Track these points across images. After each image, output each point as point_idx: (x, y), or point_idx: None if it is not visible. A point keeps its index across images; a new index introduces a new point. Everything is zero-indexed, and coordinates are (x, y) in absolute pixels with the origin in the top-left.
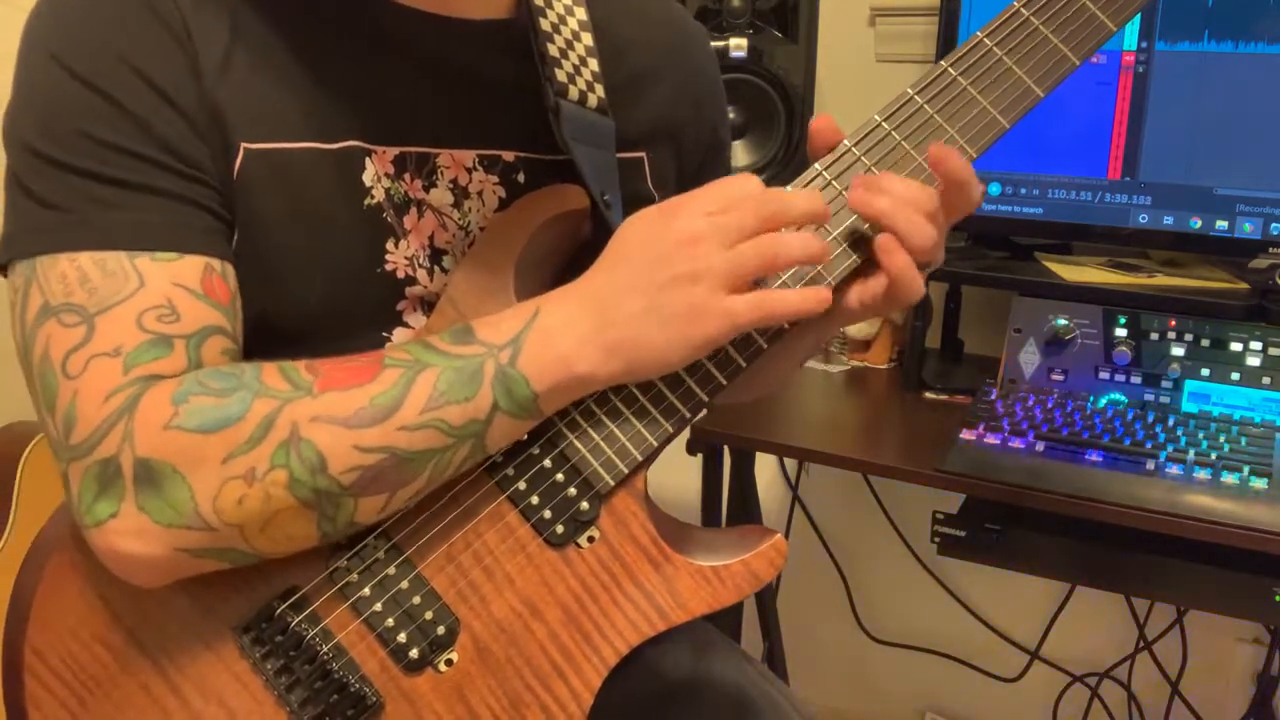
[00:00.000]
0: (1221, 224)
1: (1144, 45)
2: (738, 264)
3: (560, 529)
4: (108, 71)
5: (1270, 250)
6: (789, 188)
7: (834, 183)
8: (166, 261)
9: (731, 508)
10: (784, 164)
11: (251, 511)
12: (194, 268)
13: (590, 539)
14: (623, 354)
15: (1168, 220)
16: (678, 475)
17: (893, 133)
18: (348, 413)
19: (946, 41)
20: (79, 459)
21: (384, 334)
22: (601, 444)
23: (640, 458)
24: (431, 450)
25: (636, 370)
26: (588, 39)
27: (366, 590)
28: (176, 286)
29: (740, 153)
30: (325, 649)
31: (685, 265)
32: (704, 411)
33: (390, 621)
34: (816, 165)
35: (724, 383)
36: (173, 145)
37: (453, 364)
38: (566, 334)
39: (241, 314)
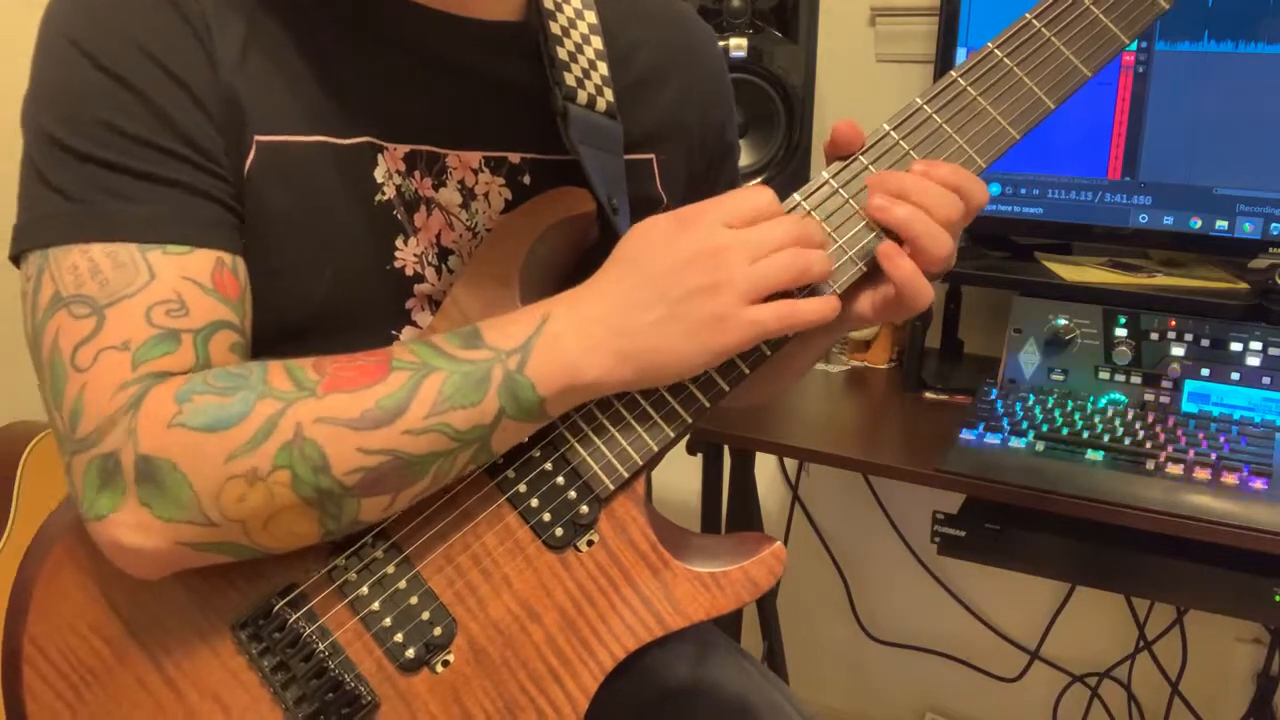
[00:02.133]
0: (1221, 224)
1: (1144, 45)
2: (763, 276)
3: (559, 532)
4: (130, 61)
5: (1270, 250)
6: (797, 195)
7: (841, 190)
8: (177, 255)
9: (731, 508)
10: (784, 164)
11: (254, 509)
12: (204, 261)
13: (589, 543)
14: (635, 361)
15: (1168, 220)
16: (678, 475)
17: (901, 142)
18: (353, 414)
19: (946, 41)
20: (82, 452)
21: (393, 331)
22: (602, 448)
23: (640, 462)
24: (436, 454)
25: (649, 378)
26: (597, 42)
27: (364, 589)
28: (186, 280)
29: (740, 153)
30: (322, 647)
31: (708, 276)
32: (705, 417)
33: (387, 621)
34: (825, 174)
35: (726, 389)
36: (191, 137)
37: (460, 368)
38: (576, 340)
39: (251, 307)
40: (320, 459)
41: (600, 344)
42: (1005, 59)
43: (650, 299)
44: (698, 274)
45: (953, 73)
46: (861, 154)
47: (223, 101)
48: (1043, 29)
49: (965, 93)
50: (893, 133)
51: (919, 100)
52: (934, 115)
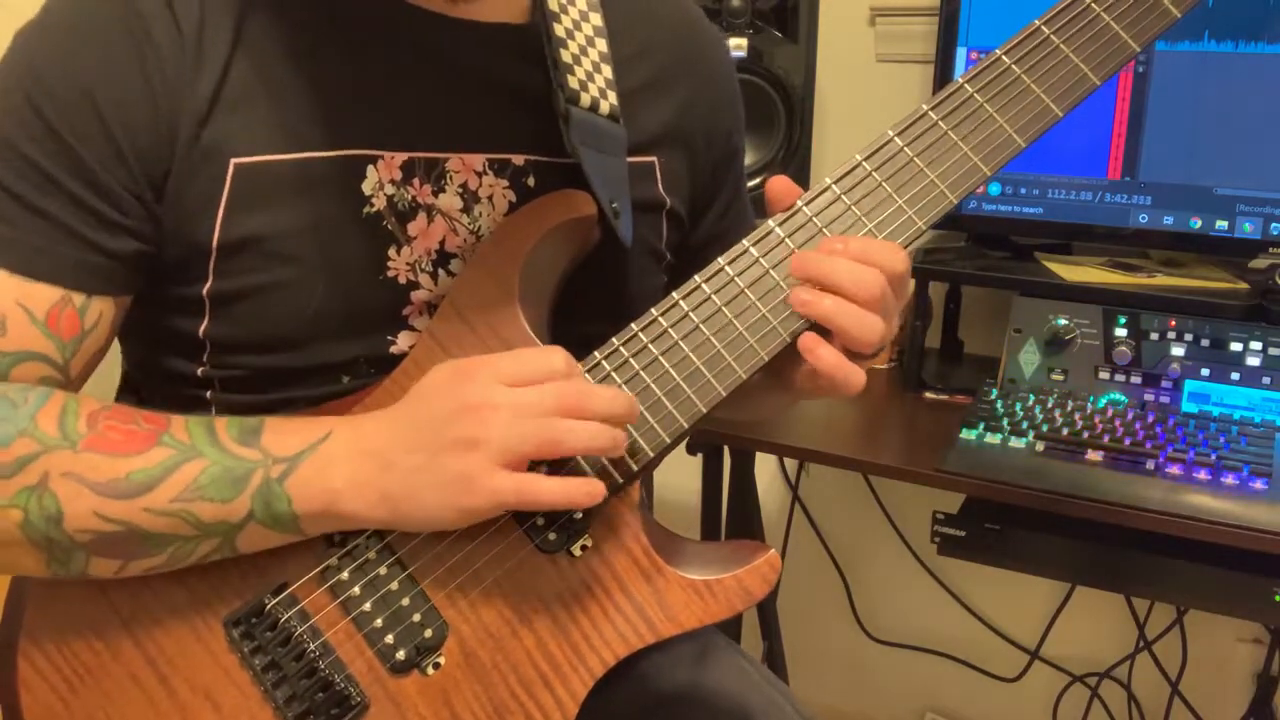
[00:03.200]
0: (1221, 224)
1: None
2: (517, 440)
3: (552, 536)
4: (62, 97)
5: (1270, 250)
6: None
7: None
8: (21, 281)
9: (731, 508)
10: (784, 164)
11: None
12: (46, 295)
13: (583, 547)
14: (391, 504)
15: (1168, 220)
16: (678, 475)
17: (905, 149)
18: (100, 479)
19: (946, 41)
20: None
21: (388, 337)
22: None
23: (635, 467)
24: (173, 536)
25: (403, 521)
26: (602, 45)
27: (356, 589)
28: (18, 306)
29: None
30: (312, 646)
31: (467, 430)
32: (700, 424)
33: (379, 622)
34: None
35: (722, 393)
36: (92, 178)
37: (224, 461)
38: (344, 468)
39: (92, 352)
40: (56, 511)
41: (365, 479)
42: (1013, 66)
43: (417, 443)
44: (459, 427)
45: (959, 79)
46: (865, 159)
47: (179, 140)
48: (1051, 36)
49: (972, 99)
50: (897, 138)
51: (925, 107)
52: (940, 122)
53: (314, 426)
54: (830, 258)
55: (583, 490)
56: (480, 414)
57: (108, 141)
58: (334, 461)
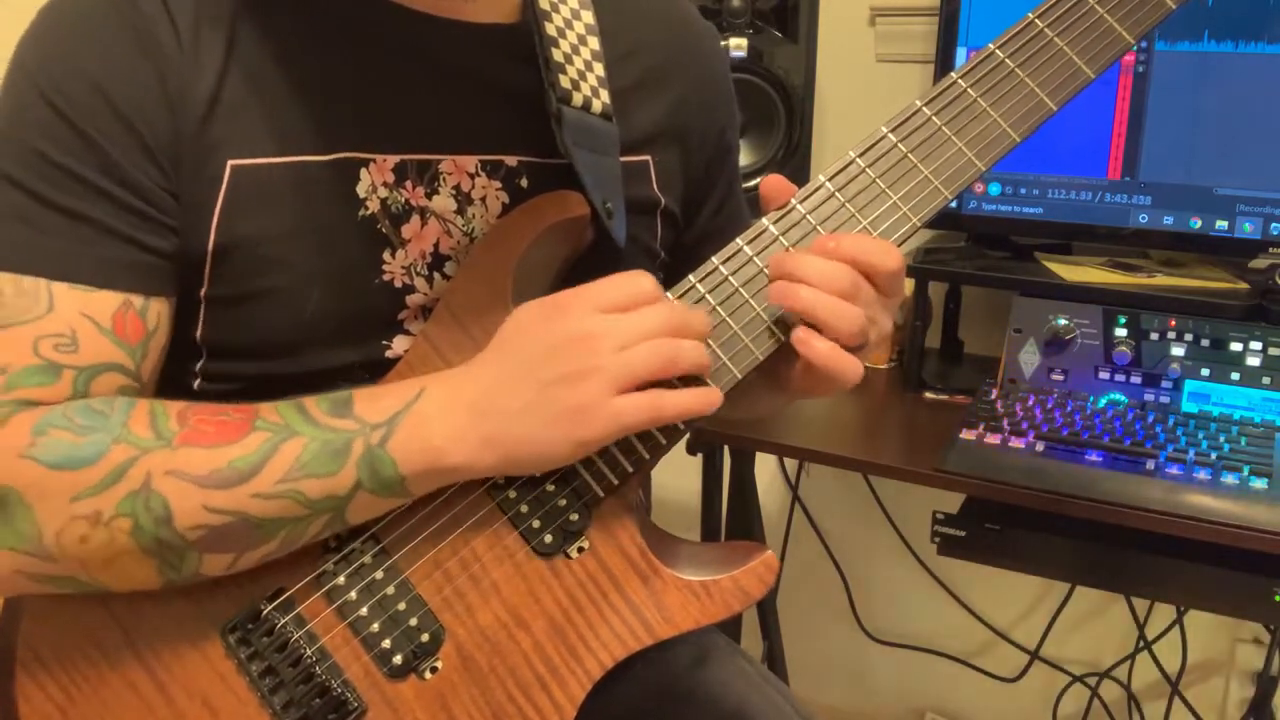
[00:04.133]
0: (1221, 224)
1: (1144, 45)
2: (633, 366)
3: (549, 538)
4: (76, 95)
5: (1270, 250)
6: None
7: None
8: (82, 291)
9: (731, 508)
10: (784, 164)
11: (94, 550)
12: (109, 302)
13: (580, 549)
14: (502, 448)
15: (1168, 220)
16: (678, 475)
17: (899, 145)
18: (203, 471)
19: (946, 41)
20: None
21: (384, 342)
22: (593, 453)
23: (631, 469)
24: (284, 519)
25: (517, 465)
26: (594, 43)
27: (353, 594)
28: (84, 318)
29: (740, 153)
30: (309, 652)
31: (576, 362)
32: (695, 425)
33: (375, 627)
34: (739, 240)
35: (739, 377)
36: (124, 175)
37: (322, 435)
38: (444, 422)
39: (160, 351)
40: (164, 511)
41: (467, 429)
42: (1007, 60)
43: (518, 384)
44: (565, 361)
45: (953, 74)
46: (858, 156)
47: (184, 136)
48: (1045, 29)
49: (965, 94)
50: (890, 135)
51: (918, 102)
52: (933, 118)
53: (405, 388)
54: (803, 255)
55: (708, 398)
56: (587, 344)
57: (131, 136)
58: (431, 417)
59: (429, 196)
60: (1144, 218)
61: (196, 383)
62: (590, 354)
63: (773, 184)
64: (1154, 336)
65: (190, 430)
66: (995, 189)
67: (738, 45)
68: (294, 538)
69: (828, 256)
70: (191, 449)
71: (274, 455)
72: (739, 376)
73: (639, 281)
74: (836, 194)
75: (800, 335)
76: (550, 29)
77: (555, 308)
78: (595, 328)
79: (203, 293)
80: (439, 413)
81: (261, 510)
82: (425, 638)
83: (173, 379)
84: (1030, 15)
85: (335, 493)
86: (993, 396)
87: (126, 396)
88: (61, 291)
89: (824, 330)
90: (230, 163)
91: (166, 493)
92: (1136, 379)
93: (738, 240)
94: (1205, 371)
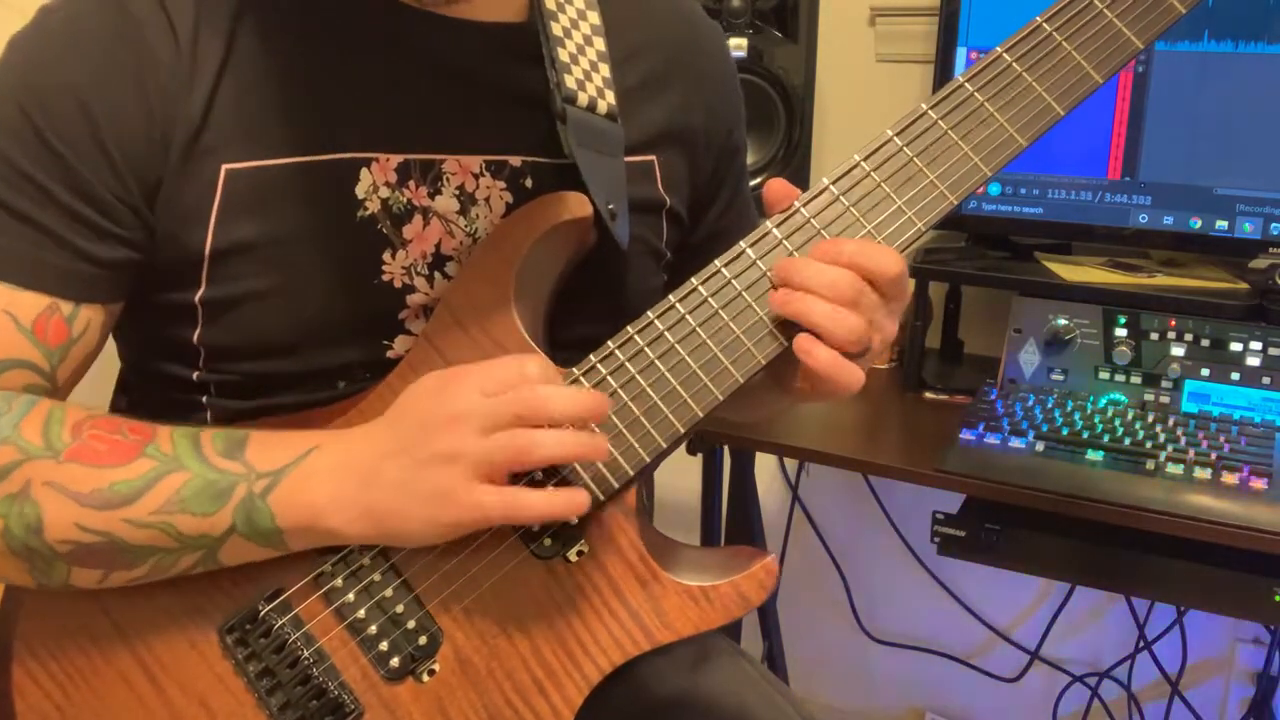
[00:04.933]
0: (1221, 224)
1: None
2: (490, 454)
3: (548, 542)
4: (53, 105)
5: (1270, 250)
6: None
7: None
8: (8, 289)
9: (731, 508)
10: (784, 164)
11: None
12: (33, 304)
13: (579, 553)
14: (374, 518)
15: (1168, 220)
16: (678, 475)
17: (905, 149)
18: (82, 489)
19: (946, 41)
20: None
21: (385, 342)
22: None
23: (631, 472)
24: (153, 548)
25: (387, 537)
26: (600, 44)
27: (350, 596)
28: (4, 314)
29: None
30: (307, 653)
31: (445, 444)
32: (698, 426)
33: (373, 629)
34: (742, 243)
35: (720, 397)
36: (87, 190)
37: (206, 474)
38: (327, 483)
39: (80, 359)
40: (36, 520)
41: (349, 495)
42: (1014, 64)
43: (399, 457)
44: (438, 441)
45: (959, 78)
46: (862, 158)
47: (173, 145)
48: (1054, 33)
49: (972, 98)
50: (896, 138)
51: (924, 106)
52: (939, 122)
53: (299, 441)
54: (805, 261)
55: (567, 502)
56: (454, 427)
57: (100, 151)
58: (317, 476)
59: (432, 196)
60: (1144, 218)
61: (196, 375)
62: (456, 438)
63: (776, 188)
64: (1154, 336)
65: (81, 445)
66: (995, 189)
67: (738, 45)
68: (163, 567)
69: (830, 262)
70: (76, 465)
71: (155, 485)
72: (740, 381)
73: (521, 364)
74: (841, 198)
75: (802, 344)
76: (556, 29)
77: (443, 384)
78: (465, 409)
79: (200, 295)
80: (327, 472)
81: (132, 536)
82: (423, 640)
83: (172, 380)
84: (1038, 19)
85: (209, 532)
86: (993, 396)
87: (32, 395)
88: None
89: (826, 338)
90: (224, 167)
91: (42, 502)
92: (1136, 379)
93: (741, 244)
94: (1205, 371)
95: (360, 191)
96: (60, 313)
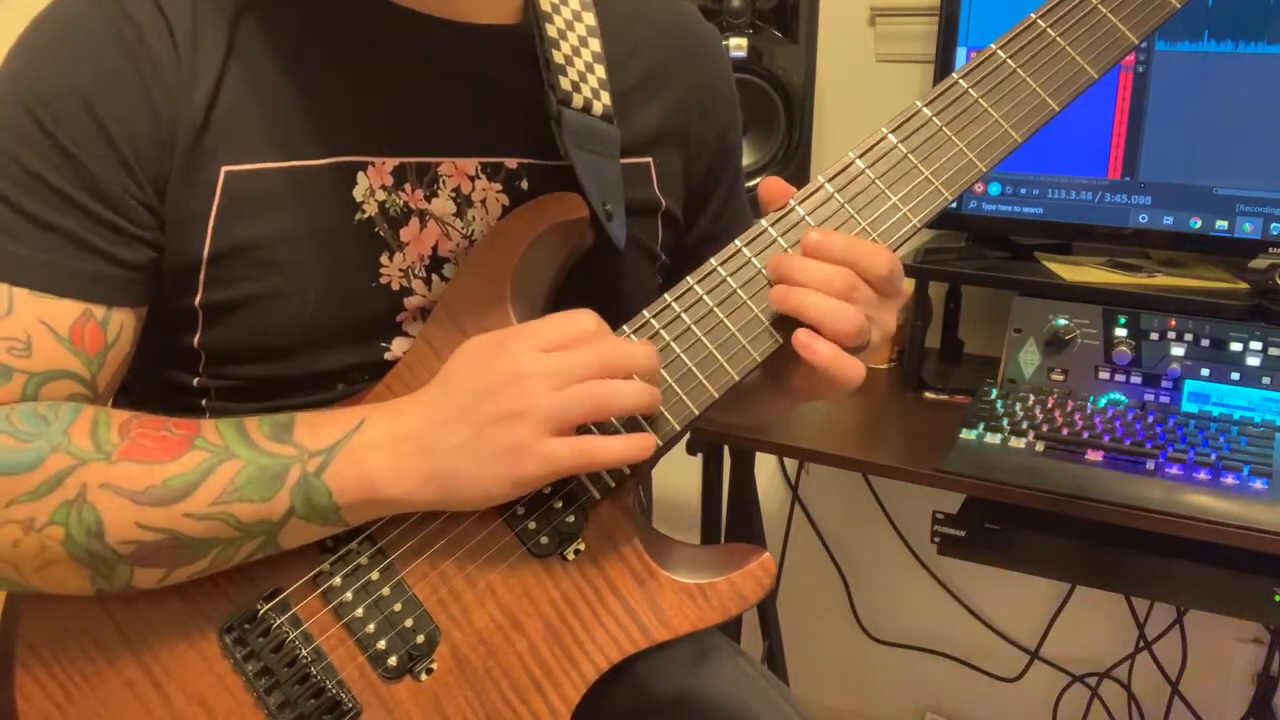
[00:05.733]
0: (1221, 224)
1: (1144, 45)
2: (564, 408)
3: (545, 540)
4: (60, 106)
5: (1270, 250)
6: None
7: (754, 259)
8: (42, 299)
9: (731, 508)
10: (784, 164)
11: (26, 555)
12: (68, 312)
13: (576, 551)
14: (439, 483)
15: (1168, 220)
16: (677, 475)
17: (899, 145)
18: (138, 487)
19: (946, 41)
20: None
21: (383, 345)
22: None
23: (628, 470)
24: (215, 540)
25: (452, 501)
26: (595, 45)
27: (348, 595)
28: (42, 325)
29: (743, 155)
30: (305, 652)
31: (510, 403)
32: (693, 425)
33: (370, 628)
34: (737, 242)
35: (715, 395)
36: (101, 190)
37: (259, 460)
38: (383, 454)
39: (120, 363)
40: (96, 524)
41: (407, 462)
42: (1009, 60)
43: (457, 422)
44: (500, 401)
45: (954, 75)
46: (858, 157)
47: (175, 148)
48: (1048, 29)
49: (966, 95)
50: (891, 135)
51: (919, 103)
52: (934, 118)
53: (347, 416)
54: (801, 258)
55: (640, 445)
56: (522, 385)
57: (112, 151)
58: (370, 449)
59: (428, 199)
60: (1144, 218)
61: (196, 380)
62: (524, 395)
63: (771, 186)
64: (1154, 336)
65: (130, 444)
66: (995, 189)
67: (738, 45)
68: (225, 558)
69: (818, 255)
70: (129, 463)
71: (209, 476)
72: (736, 378)
73: (580, 320)
74: (836, 195)
75: (801, 338)
76: (551, 30)
77: (497, 345)
78: (531, 368)
79: (199, 299)
80: (379, 444)
81: (193, 530)
82: (420, 639)
83: (173, 384)
84: (1033, 15)
85: (268, 518)
86: (993, 396)
87: (75, 403)
88: (22, 296)
89: (824, 332)
90: (224, 169)
91: (100, 506)
92: (1136, 379)
93: (736, 242)
94: (1205, 371)
95: (358, 194)
96: (94, 318)
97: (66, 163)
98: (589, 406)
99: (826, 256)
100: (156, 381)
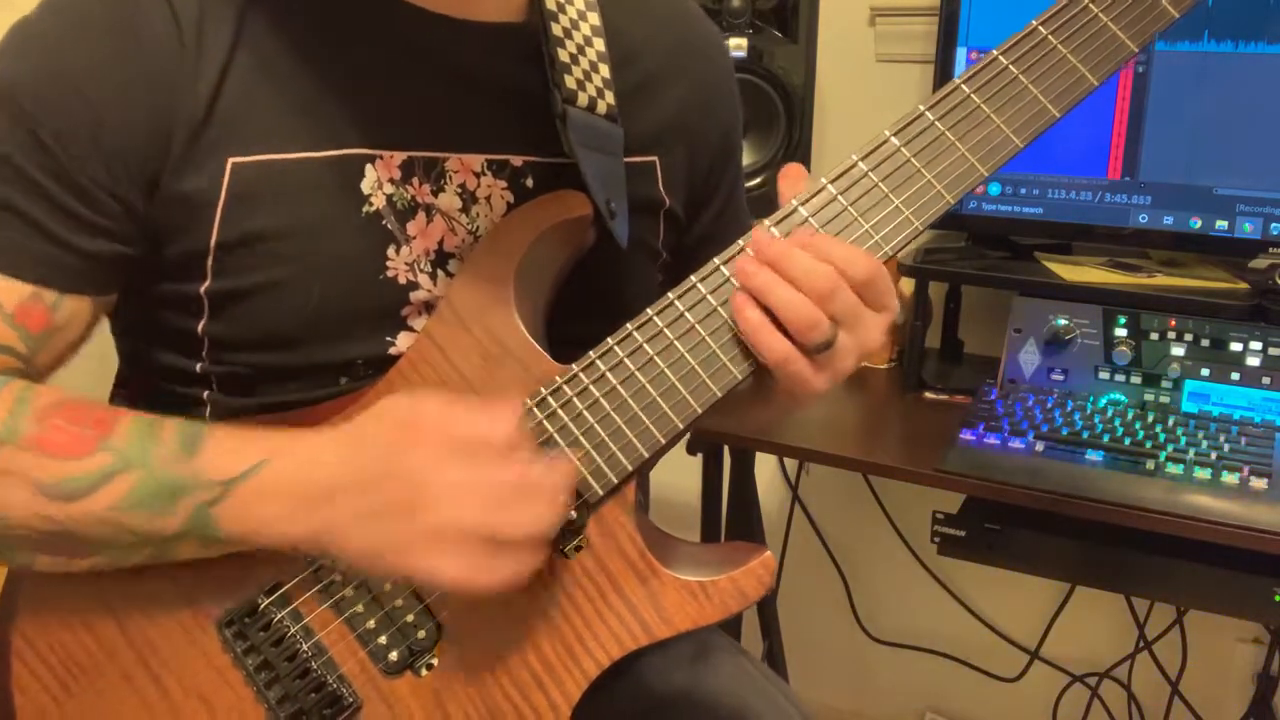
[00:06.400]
0: (1221, 224)
1: None
2: (456, 526)
3: None
4: (46, 94)
5: (1270, 250)
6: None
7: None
8: None
9: (731, 508)
10: (784, 164)
11: None
12: (16, 292)
13: (577, 548)
14: (323, 544)
15: (1168, 220)
16: (677, 475)
17: (902, 149)
18: (41, 480)
19: (946, 42)
20: None
21: (387, 338)
22: (592, 452)
23: (630, 467)
24: (108, 541)
25: (331, 558)
26: (600, 44)
27: (349, 590)
28: None
29: (743, 154)
30: (305, 647)
31: (407, 499)
32: (696, 423)
33: (371, 623)
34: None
35: (718, 394)
36: (72, 180)
37: (159, 476)
38: (276, 504)
39: (62, 345)
40: None
41: (297, 514)
42: (1010, 66)
43: (358, 493)
44: (402, 492)
45: (956, 79)
46: (861, 159)
47: (176, 139)
48: (1049, 36)
49: (969, 100)
50: (894, 139)
51: (921, 107)
52: (937, 123)
53: (254, 449)
54: (789, 249)
55: (520, 576)
56: (423, 491)
57: (91, 142)
58: (264, 496)
59: (435, 194)
60: (1144, 218)
61: (198, 366)
62: (421, 502)
63: (790, 172)
64: (1154, 336)
65: (42, 433)
66: (995, 189)
67: (738, 45)
68: (120, 559)
69: (794, 249)
70: (36, 455)
71: (106, 484)
72: (739, 377)
73: (496, 429)
74: (839, 197)
75: (737, 300)
76: (557, 29)
77: (411, 429)
78: (434, 476)
79: (205, 287)
80: (275, 492)
81: (87, 530)
82: (421, 635)
83: (175, 369)
84: (1034, 22)
85: (161, 532)
86: (993, 396)
87: (4, 376)
88: None
89: (783, 319)
90: (231, 160)
91: (1, 490)
92: (1136, 379)
93: (739, 241)
94: (1205, 371)
95: (365, 187)
96: (44, 302)
97: (39, 149)
98: (481, 537)
99: (811, 250)
100: (156, 370)
